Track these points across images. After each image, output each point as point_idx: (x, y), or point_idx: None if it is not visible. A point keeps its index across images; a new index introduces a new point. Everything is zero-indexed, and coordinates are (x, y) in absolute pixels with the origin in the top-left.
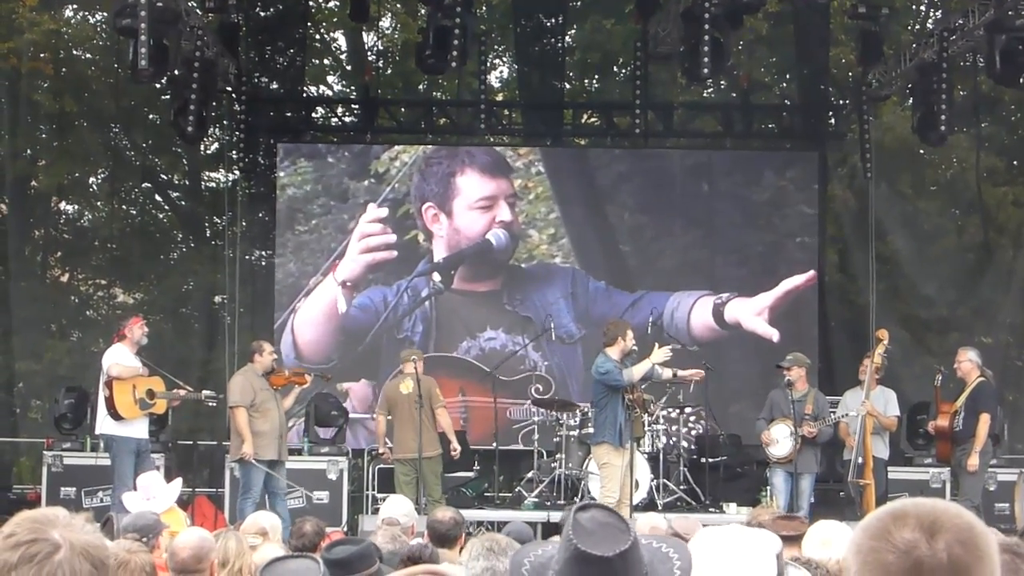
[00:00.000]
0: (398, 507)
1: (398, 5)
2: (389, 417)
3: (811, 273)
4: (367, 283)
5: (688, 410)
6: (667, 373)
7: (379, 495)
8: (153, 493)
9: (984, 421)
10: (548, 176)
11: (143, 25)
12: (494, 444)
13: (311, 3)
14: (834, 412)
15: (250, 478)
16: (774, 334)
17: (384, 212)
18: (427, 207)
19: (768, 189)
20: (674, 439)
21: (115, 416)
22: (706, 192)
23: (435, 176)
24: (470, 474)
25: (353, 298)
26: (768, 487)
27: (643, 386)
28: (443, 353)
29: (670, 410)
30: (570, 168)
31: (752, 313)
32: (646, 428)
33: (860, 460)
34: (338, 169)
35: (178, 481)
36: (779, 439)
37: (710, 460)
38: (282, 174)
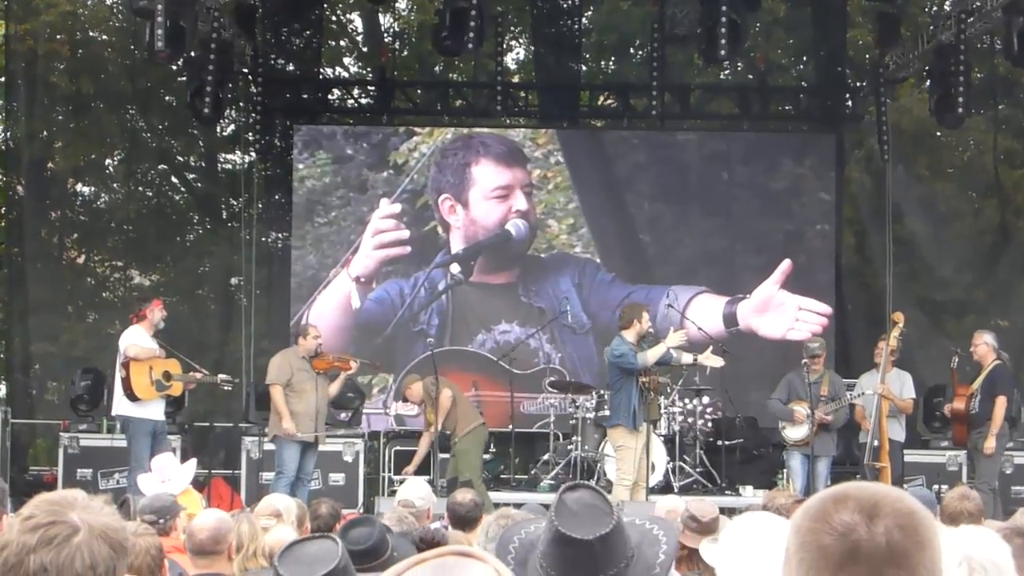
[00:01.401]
0: (415, 490)
1: None
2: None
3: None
4: (384, 276)
5: (705, 400)
6: (686, 358)
7: (395, 477)
8: (168, 475)
9: (1001, 404)
10: (567, 165)
11: (160, 6)
12: (510, 427)
13: None
14: (850, 394)
15: (284, 458)
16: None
17: (397, 208)
18: (443, 198)
19: (787, 176)
20: (691, 420)
21: (131, 397)
22: (725, 180)
23: (451, 167)
24: (486, 456)
25: (368, 292)
26: (784, 470)
27: (666, 373)
28: (458, 347)
29: (687, 401)
30: (589, 157)
31: (758, 313)
32: (662, 411)
33: (876, 443)
34: (357, 160)
35: (192, 462)
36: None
37: (726, 442)
38: (300, 166)
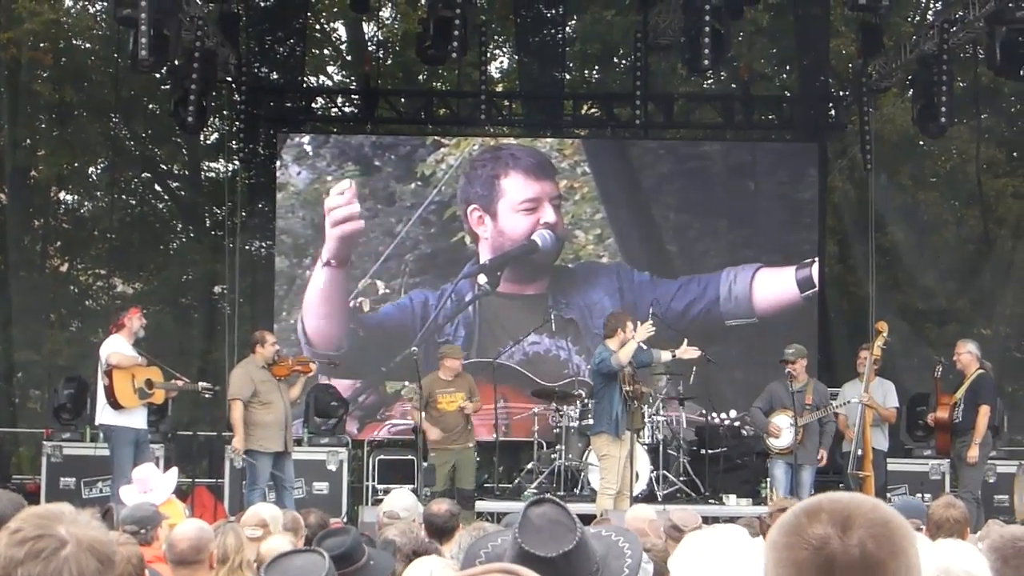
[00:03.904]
0: (399, 500)
1: None
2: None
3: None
4: (412, 285)
5: (732, 413)
6: (666, 356)
7: (379, 486)
8: (150, 486)
9: (984, 413)
10: (593, 176)
11: (143, 15)
12: (494, 435)
13: None
14: (833, 403)
15: (256, 470)
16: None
17: (347, 183)
18: (472, 209)
19: (811, 185)
20: (675, 428)
21: (114, 405)
22: (751, 190)
23: (480, 179)
24: None
25: (351, 282)
26: (768, 479)
27: (661, 374)
28: (484, 359)
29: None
30: (615, 168)
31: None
32: (646, 419)
33: (860, 452)
34: (385, 173)
35: (174, 471)
36: (782, 429)
37: (710, 451)
38: (329, 178)
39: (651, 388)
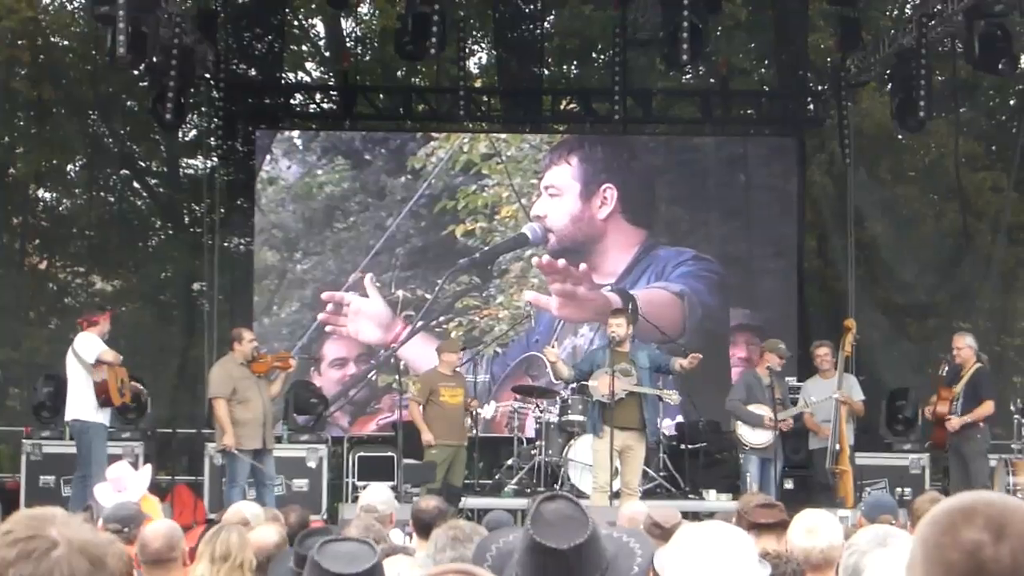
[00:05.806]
0: (377, 495)
1: None
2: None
3: None
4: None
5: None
6: (676, 365)
7: (359, 483)
8: (124, 484)
9: (988, 406)
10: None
11: (121, 12)
12: (474, 431)
13: None
14: (809, 399)
15: (235, 468)
16: None
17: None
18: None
19: (790, 180)
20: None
21: (104, 402)
22: (742, 183)
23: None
24: None
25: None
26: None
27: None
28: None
29: None
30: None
31: None
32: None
33: (837, 447)
34: (375, 166)
35: (148, 468)
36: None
37: (690, 446)
38: (320, 172)
39: (634, 378)
